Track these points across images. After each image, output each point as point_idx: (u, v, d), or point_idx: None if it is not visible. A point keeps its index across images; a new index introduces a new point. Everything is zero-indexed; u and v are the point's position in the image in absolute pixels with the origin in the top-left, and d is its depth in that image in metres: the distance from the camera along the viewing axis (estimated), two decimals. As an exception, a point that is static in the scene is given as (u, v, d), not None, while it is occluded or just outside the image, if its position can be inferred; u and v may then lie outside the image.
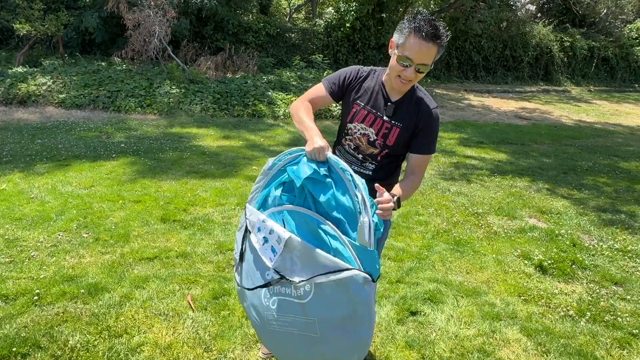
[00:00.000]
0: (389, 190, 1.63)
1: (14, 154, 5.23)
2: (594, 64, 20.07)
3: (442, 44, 1.59)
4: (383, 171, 1.86)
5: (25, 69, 9.55)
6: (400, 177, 1.92)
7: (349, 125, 1.84)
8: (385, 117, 1.76)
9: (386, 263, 3.22)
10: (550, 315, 2.71)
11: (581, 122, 10.73)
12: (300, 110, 1.74)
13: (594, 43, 19.91)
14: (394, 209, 1.56)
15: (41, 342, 2.16)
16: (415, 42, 1.57)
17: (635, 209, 4.73)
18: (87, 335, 2.24)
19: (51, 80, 8.88)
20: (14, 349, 2.10)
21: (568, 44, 19.17)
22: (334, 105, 7.60)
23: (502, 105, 12.67)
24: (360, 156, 1.84)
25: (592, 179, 5.84)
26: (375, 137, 1.79)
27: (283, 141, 6.86)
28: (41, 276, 2.73)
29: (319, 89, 1.86)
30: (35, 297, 2.49)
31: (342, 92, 1.84)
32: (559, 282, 3.14)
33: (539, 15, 21.45)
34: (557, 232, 3.95)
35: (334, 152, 1.89)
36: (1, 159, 5.04)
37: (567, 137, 8.67)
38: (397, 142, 1.77)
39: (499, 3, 16.99)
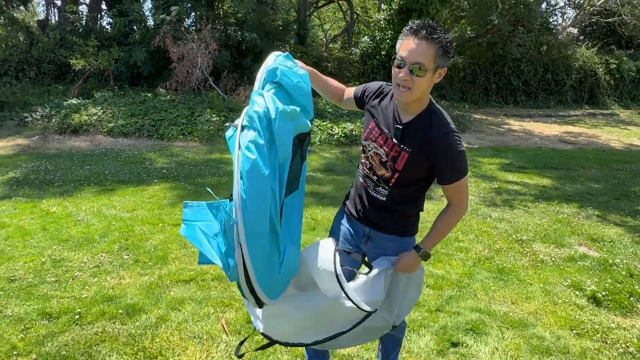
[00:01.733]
0: (400, 223, 1.73)
1: (65, 179, 5.52)
2: (643, 86, 19.17)
3: (437, 41, 1.46)
4: (397, 199, 1.70)
5: (79, 101, 10.21)
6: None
7: (364, 143, 1.76)
8: (394, 139, 1.64)
9: (425, 291, 3.10)
10: (607, 352, 2.49)
11: (632, 146, 10.17)
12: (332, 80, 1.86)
13: (643, 64, 19.08)
14: (425, 259, 1.65)
15: (80, 361, 2.19)
16: (407, 40, 1.50)
17: (700, 238, 4.35)
18: (124, 356, 2.26)
19: (101, 111, 9.42)
20: (54, 367, 2.14)
21: (614, 65, 18.47)
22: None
23: (545, 129, 12.25)
24: (375, 178, 1.73)
25: (648, 205, 5.47)
26: (386, 159, 1.66)
27: (318, 167, 6.88)
28: (83, 296, 2.81)
29: (351, 90, 1.86)
30: (77, 316, 2.56)
31: (362, 101, 1.80)
32: (615, 315, 2.90)
33: (581, 38, 20.89)
34: (610, 261, 3.68)
35: (357, 174, 1.85)
36: (53, 183, 5.33)
37: (617, 162, 8.22)
38: (407, 167, 1.62)
39: (539, 27, 16.70)
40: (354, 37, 19.03)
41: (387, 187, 1.70)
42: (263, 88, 1.48)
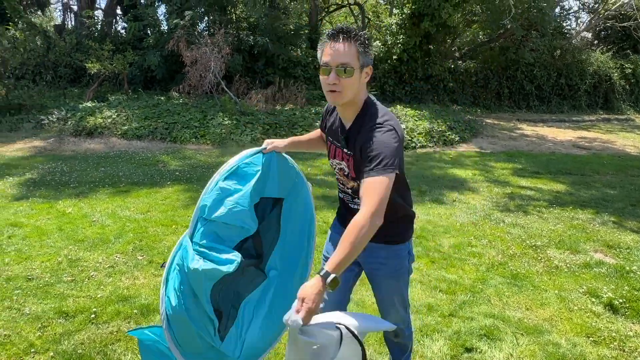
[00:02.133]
0: (383, 228, 1.43)
1: (80, 181, 5.60)
2: (660, 91, 18.87)
3: (355, 39, 1.48)
4: None
5: (94, 104, 10.38)
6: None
7: (330, 162, 1.78)
8: (344, 150, 1.63)
9: (438, 295, 3.08)
10: (625, 360, 2.45)
11: (649, 152, 10.01)
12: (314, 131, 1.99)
13: (659, 69, 18.79)
14: (331, 286, 1.34)
15: (95, 360, 2.22)
16: (327, 46, 1.51)
17: None
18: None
19: (116, 114, 9.56)
20: (71, 365, 2.16)
21: (630, 70, 18.21)
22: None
23: (558, 134, 12.11)
24: (349, 191, 1.72)
25: (666, 212, 5.37)
26: (347, 170, 1.65)
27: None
28: (99, 295, 2.84)
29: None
30: (93, 316, 2.59)
31: (325, 130, 1.83)
32: (633, 323, 2.85)
33: (595, 42, 20.66)
34: (627, 268, 3.62)
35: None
36: (69, 184, 5.41)
37: (633, 168, 8.08)
38: (357, 172, 1.56)
39: (552, 31, 16.55)
40: (366, 41, 19.05)
41: (358, 197, 1.55)
42: (195, 227, 1.72)
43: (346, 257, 1.37)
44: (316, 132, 1.96)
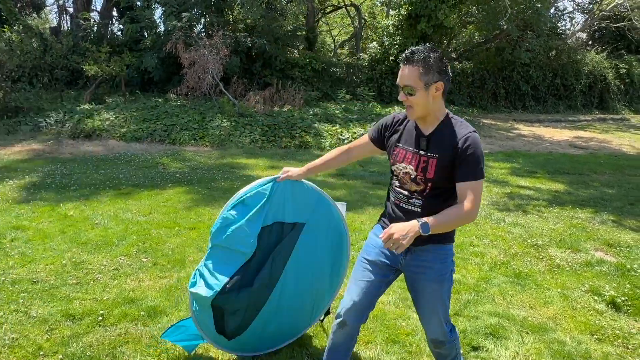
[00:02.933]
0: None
1: (81, 183, 5.59)
2: (654, 91, 19.04)
3: (416, 62, 1.67)
4: (430, 207, 1.75)
5: (91, 106, 10.34)
6: None
7: (393, 168, 1.88)
8: (421, 152, 1.77)
9: (442, 295, 3.10)
10: (629, 357, 2.47)
11: (644, 151, 10.10)
12: (329, 152, 2.13)
13: (653, 69, 18.96)
14: (421, 235, 1.61)
15: (104, 362, 2.22)
16: (400, 69, 1.75)
17: None
18: (147, 357, 2.28)
19: (114, 116, 9.53)
20: (80, 368, 2.16)
21: (624, 70, 18.38)
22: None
23: (555, 134, 12.19)
24: (407, 193, 1.82)
25: (663, 210, 5.42)
26: (416, 173, 1.77)
27: (330, 172, 6.90)
28: (104, 298, 2.84)
29: (361, 138, 2.05)
30: (100, 318, 2.59)
31: (382, 138, 1.94)
32: (635, 320, 2.88)
33: (590, 42, 20.81)
34: (628, 266, 3.66)
35: (387, 195, 1.98)
36: (69, 187, 5.40)
37: (630, 167, 8.16)
38: (437, 173, 1.72)
39: (548, 32, 16.66)
40: (362, 42, 19.09)
41: (420, 198, 1.78)
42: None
43: (440, 225, 1.65)
44: (332, 153, 2.10)
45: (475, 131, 1.73)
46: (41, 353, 2.26)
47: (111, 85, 12.88)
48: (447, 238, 1.82)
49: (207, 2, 12.52)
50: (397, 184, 1.85)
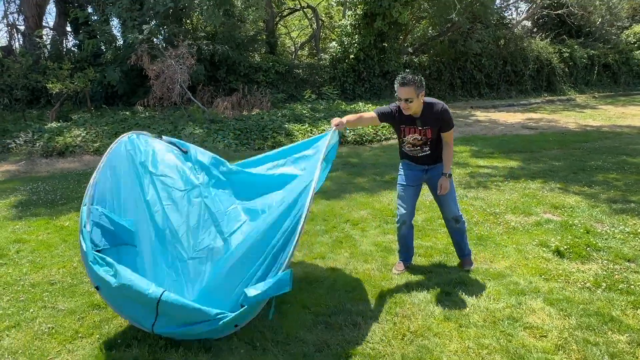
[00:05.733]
0: (439, 158, 3.22)
1: (67, 197, 5.78)
2: (595, 72, 20.51)
3: (411, 84, 2.94)
4: (434, 148, 3.19)
5: (59, 124, 10.34)
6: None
7: (404, 139, 3.24)
8: (419, 127, 3.15)
9: (417, 259, 3.59)
10: (569, 288, 3.03)
11: (588, 127, 11.07)
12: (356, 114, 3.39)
13: (593, 51, 20.43)
14: (450, 177, 3.17)
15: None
16: (399, 89, 3.00)
17: (645, 198, 5.02)
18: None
19: (85, 132, 9.61)
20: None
21: (567, 54, 19.71)
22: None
23: (509, 118, 13.09)
24: (418, 148, 3.21)
25: (602, 175, 6.16)
26: (420, 137, 3.17)
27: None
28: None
29: (370, 113, 3.27)
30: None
31: (384, 120, 3.22)
32: (575, 263, 3.46)
33: (535, 30, 22.15)
34: (570, 222, 4.28)
35: (400, 151, 3.39)
36: (57, 201, 5.59)
37: (575, 142, 9.00)
38: (433, 134, 3.14)
39: (495, 22, 17.72)
40: (322, 43, 19.61)
41: (427, 147, 3.20)
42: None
43: (448, 164, 3.16)
44: (358, 115, 3.28)
45: (441, 102, 3.11)
46: (79, 335, 2.58)
47: (74, 101, 12.81)
48: (440, 159, 3.22)
49: (166, 12, 12.67)
50: (410, 146, 3.21)
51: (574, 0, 18.96)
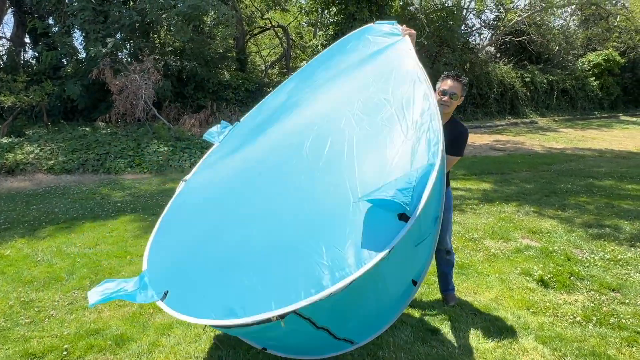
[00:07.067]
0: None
1: (12, 221, 5.23)
2: (554, 96, 21.39)
3: (462, 81, 2.81)
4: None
5: (10, 140, 9.62)
6: None
7: None
8: None
9: (397, 291, 3.35)
10: (559, 324, 2.86)
11: (552, 149, 11.35)
12: None
13: (552, 77, 21.34)
14: None
15: (77, 395, 2.17)
16: (445, 80, 2.84)
17: (618, 222, 5.03)
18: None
19: (38, 148, 8.96)
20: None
21: (529, 79, 20.49)
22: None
23: (477, 139, 13.29)
24: None
25: (574, 199, 6.18)
26: None
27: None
28: (65, 333, 2.74)
29: None
30: (64, 352, 2.51)
31: None
32: (561, 293, 3.32)
33: (498, 55, 22.99)
34: (550, 249, 4.17)
35: None
36: (0, 226, 5.04)
37: (543, 164, 9.15)
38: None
39: (461, 47, 18.22)
40: (292, 62, 19.55)
41: None
42: None
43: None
44: None
45: (466, 127, 2.95)
46: (6, 395, 2.16)
47: (29, 116, 12.05)
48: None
49: (132, 26, 12.23)
50: None
51: (533, 29, 19.85)
